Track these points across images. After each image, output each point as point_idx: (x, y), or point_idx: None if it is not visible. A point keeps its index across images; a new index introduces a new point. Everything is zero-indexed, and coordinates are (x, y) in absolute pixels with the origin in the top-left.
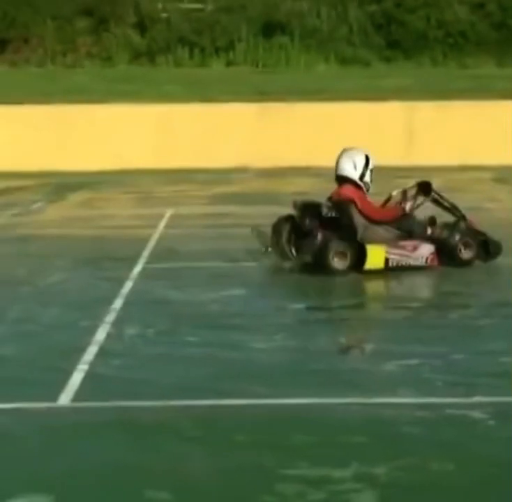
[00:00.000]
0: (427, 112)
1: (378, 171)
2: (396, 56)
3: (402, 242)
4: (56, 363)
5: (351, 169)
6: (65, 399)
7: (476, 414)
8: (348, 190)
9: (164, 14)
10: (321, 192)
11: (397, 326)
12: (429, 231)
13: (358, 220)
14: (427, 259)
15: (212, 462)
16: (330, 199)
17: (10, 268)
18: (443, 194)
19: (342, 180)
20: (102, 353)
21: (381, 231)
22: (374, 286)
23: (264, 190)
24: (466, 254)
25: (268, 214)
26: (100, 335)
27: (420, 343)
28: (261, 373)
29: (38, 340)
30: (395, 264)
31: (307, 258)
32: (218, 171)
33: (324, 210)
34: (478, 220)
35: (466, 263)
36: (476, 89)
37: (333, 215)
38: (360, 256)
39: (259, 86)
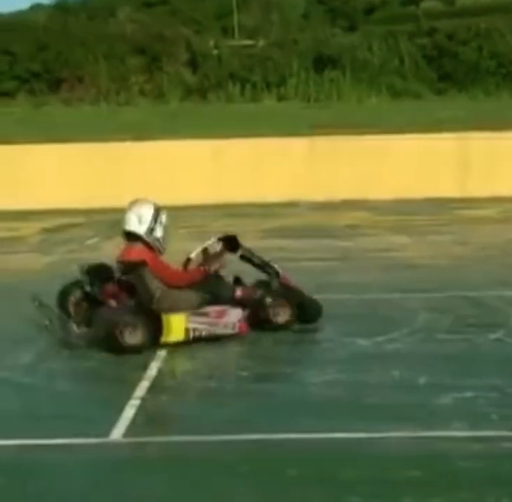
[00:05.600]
0: (481, 143)
1: (433, 202)
2: (448, 88)
3: (207, 309)
4: (108, 398)
5: (137, 224)
6: (117, 434)
7: None
8: (137, 249)
9: (216, 51)
10: (373, 224)
11: (449, 359)
12: (238, 292)
13: (153, 285)
14: (235, 325)
15: (261, 497)
16: (119, 260)
17: None
18: (251, 248)
19: (130, 237)
20: (154, 388)
21: (181, 296)
22: (420, 318)
23: (317, 224)
24: (280, 317)
25: (322, 247)
26: (153, 370)
27: (474, 376)
28: (313, 407)
29: (91, 376)
30: (198, 335)
31: (98, 332)
32: (270, 205)
33: (117, 274)
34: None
35: (280, 327)
36: None
37: (126, 279)
38: (155, 328)
39: (310, 120)
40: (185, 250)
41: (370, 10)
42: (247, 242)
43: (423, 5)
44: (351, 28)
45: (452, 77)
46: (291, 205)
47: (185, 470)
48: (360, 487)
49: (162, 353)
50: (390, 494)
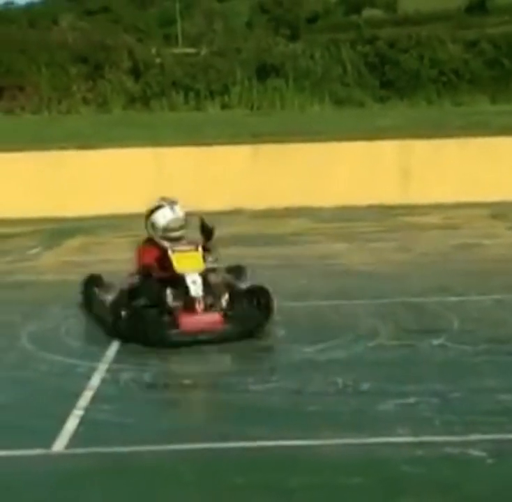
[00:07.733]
0: (422, 150)
1: (376, 209)
2: (390, 95)
3: None
4: (50, 409)
5: None
6: (59, 445)
7: (474, 452)
8: None
9: (159, 60)
10: (316, 231)
11: (392, 365)
12: None
13: None
14: None
15: None
16: None
17: (5, 314)
18: None
19: None
20: (98, 398)
21: None
22: (363, 325)
23: (260, 232)
24: None
25: (265, 255)
26: (95, 380)
27: (417, 382)
28: (257, 415)
29: (33, 386)
30: None
31: None
32: (213, 213)
33: None
34: None
35: None
36: (470, 126)
37: None
38: None
39: (253, 128)
40: (128, 259)
41: (312, 19)
42: None
43: (365, 13)
44: (294, 37)
45: (394, 84)
46: (235, 213)
47: (130, 481)
48: (305, 494)
49: (105, 362)
50: (334, 501)
